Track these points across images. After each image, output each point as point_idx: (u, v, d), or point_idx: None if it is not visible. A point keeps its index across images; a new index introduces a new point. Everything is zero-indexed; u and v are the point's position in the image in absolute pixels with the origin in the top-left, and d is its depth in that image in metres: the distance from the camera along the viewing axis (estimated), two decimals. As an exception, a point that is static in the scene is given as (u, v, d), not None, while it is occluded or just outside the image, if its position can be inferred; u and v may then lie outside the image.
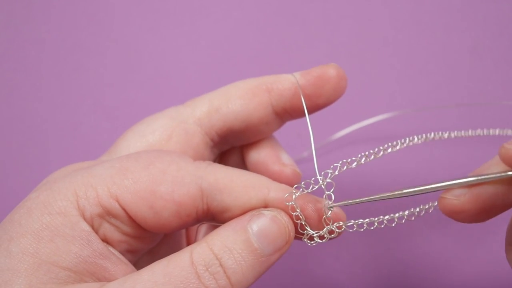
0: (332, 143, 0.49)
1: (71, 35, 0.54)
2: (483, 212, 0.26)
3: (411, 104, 0.49)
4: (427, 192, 0.26)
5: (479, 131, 0.38)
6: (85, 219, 0.26)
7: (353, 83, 0.40)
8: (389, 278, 0.45)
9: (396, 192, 0.26)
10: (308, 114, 0.32)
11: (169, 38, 0.54)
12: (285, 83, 0.32)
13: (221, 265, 0.25)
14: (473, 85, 0.49)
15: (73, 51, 0.54)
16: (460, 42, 0.51)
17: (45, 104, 0.53)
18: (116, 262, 0.27)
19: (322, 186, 0.28)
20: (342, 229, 0.28)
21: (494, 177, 0.24)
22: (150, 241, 0.29)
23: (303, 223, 0.28)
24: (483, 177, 0.25)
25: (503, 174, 0.24)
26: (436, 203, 0.31)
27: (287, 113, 0.33)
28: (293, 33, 0.53)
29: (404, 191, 0.26)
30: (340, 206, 0.28)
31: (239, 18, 0.54)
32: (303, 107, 0.32)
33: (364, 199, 0.27)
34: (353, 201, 0.27)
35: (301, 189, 0.28)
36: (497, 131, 0.40)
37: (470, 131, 0.37)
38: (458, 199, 0.25)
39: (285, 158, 0.35)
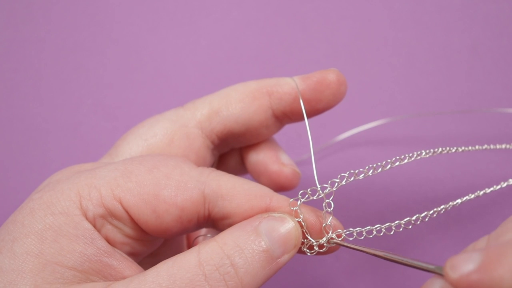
0: (332, 146, 0.49)
1: (71, 35, 0.54)
2: None
3: (411, 105, 0.49)
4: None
5: (486, 146, 0.40)
6: (87, 219, 0.26)
7: (352, 83, 0.40)
8: (389, 279, 0.45)
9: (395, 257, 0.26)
10: (308, 118, 0.32)
11: (169, 38, 0.54)
12: (285, 87, 0.32)
13: (232, 265, 0.25)
14: (473, 85, 0.49)
15: (73, 51, 0.54)
16: (460, 42, 0.51)
17: (45, 104, 0.53)
18: (121, 259, 0.27)
19: (332, 190, 0.28)
20: (342, 237, 0.28)
21: None
22: (151, 244, 0.29)
23: (304, 230, 0.28)
24: None
25: None
26: (440, 208, 0.31)
27: (286, 116, 0.33)
28: (293, 33, 0.53)
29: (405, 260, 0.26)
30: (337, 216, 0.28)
31: (239, 18, 0.54)
32: (302, 111, 0.32)
33: (364, 249, 0.27)
34: (355, 246, 0.28)
35: (306, 195, 0.28)
36: (503, 146, 0.42)
37: (477, 146, 0.38)
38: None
39: (284, 158, 0.34)
